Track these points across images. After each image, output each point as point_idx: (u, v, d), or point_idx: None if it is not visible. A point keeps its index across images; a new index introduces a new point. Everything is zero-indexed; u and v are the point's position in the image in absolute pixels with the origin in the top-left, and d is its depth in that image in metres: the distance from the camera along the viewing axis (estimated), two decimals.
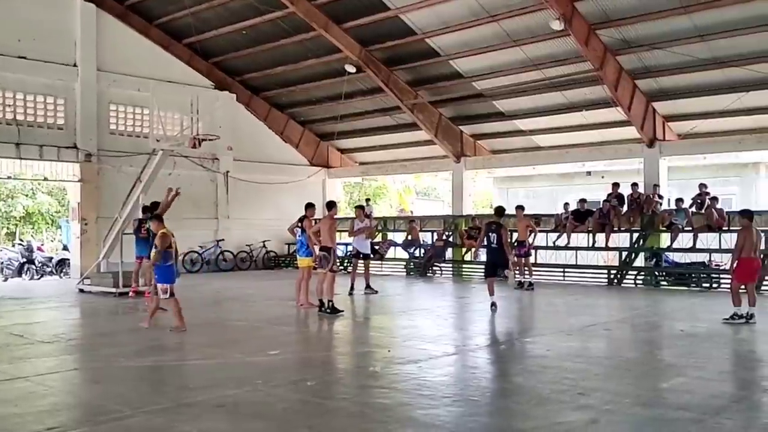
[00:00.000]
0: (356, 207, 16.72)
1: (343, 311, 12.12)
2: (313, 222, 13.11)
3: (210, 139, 15.69)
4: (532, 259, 17.43)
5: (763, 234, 14.02)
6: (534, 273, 16.95)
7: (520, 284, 16.00)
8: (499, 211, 13.29)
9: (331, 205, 12.88)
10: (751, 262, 10.96)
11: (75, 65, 20.05)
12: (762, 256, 13.76)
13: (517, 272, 15.68)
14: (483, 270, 14.04)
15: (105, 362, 8.13)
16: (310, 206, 13.23)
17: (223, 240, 23.23)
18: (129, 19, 21.89)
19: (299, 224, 13.19)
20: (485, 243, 12.98)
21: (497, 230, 12.64)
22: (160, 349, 9.42)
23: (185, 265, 21.48)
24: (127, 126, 21.41)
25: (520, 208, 16.75)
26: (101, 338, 9.94)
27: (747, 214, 11.25)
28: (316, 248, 12.56)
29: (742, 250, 10.84)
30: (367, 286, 15.36)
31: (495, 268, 12.79)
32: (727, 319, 10.76)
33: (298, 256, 13.57)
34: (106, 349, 8.91)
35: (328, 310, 11.96)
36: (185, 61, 22.99)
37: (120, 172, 19.67)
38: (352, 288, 15.06)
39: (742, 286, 10.96)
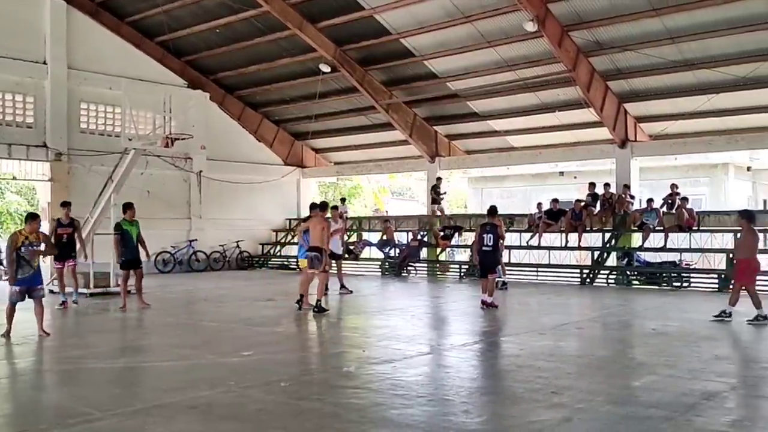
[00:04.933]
0: (332, 208, 16.65)
1: (328, 310, 12.23)
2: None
3: (183, 139, 15.55)
4: (505, 259, 17.50)
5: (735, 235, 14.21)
6: (507, 272, 17.03)
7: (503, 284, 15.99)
8: (492, 211, 13.22)
9: (324, 206, 12.97)
10: (750, 263, 10.90)
11: (45, 63, 19.74)
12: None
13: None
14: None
15: (75, 364, 8.00)
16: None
17: (195, 240, 23.01)
18: (100, 16, 21.64)
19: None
20: (481, 245, 12.83)
21: (492, 230, 12.66)
22: (132, 350, 9.31)
23: (157, 266, 21.27)
24: (99, 125, 21.14)
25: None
26: (71, 339, 9.79)
27: (746, 215, 11.07)
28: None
29: (753, 251, 10.74)
30: (342, 286, 15.33)
31: (486, 270, 12.80)
32: (716, 315, 10.74)
33: (299, 258, 13.56)
34: (75, 350, 8.78)
35: (316, 309, 12.07)
36: (158, 59, 22.75)
37: (91, 171, 19.39)
38: (326, 288, 14.99)
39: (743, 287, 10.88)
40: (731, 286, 11.18)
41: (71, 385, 7.12)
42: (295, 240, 24.47)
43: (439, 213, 22.29)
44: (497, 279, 13.66)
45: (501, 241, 12.99)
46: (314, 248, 12.22)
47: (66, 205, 13.84)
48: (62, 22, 20.07)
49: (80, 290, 14.86)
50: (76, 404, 6.13)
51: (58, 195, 19.59)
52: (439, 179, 22.74)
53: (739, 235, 11.22)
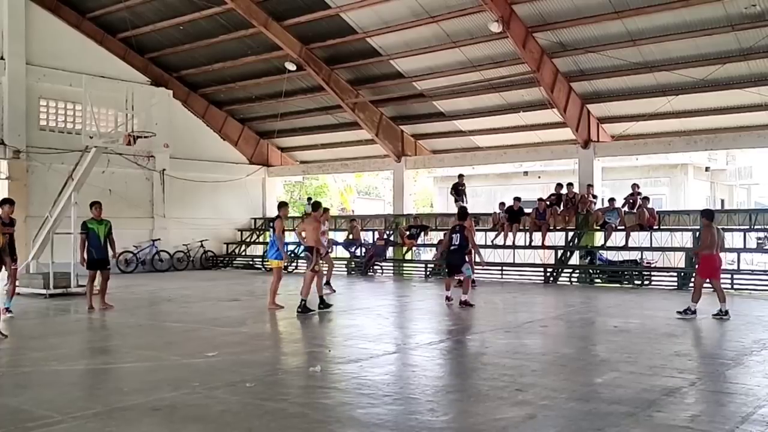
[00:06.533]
0: (324, 209, 16.34)
1: (314, 311, 11.99)
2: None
3: (145, 137, 15.33)
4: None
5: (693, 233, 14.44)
6: (475, 271, 17.09)
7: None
8: (462, 214, 13.54)
9: (317, 206, 13.08)
10: (713, 259, 11.21)
11: (2, 58, 19.28)
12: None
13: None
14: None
15: (34, 366, 7.83)
16: (283, 205, 12.91)
17: (159, 240, 22.72)
18: (60, 11, 21.24)
19: (272, 225, 12.95)
20: (449, 245, 13.08)
21: (461, 231, 12.92)
22: (94, 352, 9.15)
23: (119, 266, 20.93)
24: (59, 122, 20.75)
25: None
26: (30, 341, 9.57)
27: (707, 214, 11.57)
28: (292, 248, 12.54)
29: (707, 247, 11.08)
30: (327, 283, 15.36)
31: (453, 269, 13.07)
32: (680, 312, 11.04)
33: (267, 258, 13.45)
34: (35, 352, 8.59)
35: (300, 310, 11.86)
36: (120, 56, 22.42)
37: (51, 169, 19.00)
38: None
39: (707, 282, 11.22)
40: (692, 284, 11.46)
41: (30, 387, 6.96)
42: (260, 240, 24.38)
43: None
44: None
45: (472, 240, 13.30)
46: (307, 248, 12.30)
47: (8, 203, 12.43)
48: (21, 17, 19.64)
49: (39, 291, 14.64)
50: (35, 407, 5.99)
51: (16, 194, 19.10)
52: (461, 176, 21.52)
53: (701, 233, 11.61)
